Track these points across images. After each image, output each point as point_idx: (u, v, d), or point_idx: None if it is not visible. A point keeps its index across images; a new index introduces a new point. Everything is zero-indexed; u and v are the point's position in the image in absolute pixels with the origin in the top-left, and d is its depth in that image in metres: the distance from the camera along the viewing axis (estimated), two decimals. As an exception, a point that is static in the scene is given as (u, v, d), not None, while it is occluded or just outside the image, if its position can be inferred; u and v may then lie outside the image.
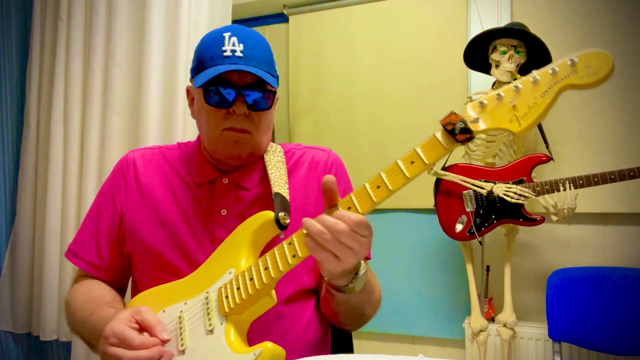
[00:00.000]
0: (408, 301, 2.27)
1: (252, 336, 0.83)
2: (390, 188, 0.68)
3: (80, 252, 0.99)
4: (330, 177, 0.72)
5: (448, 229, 1.86)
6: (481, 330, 1.83)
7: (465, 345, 2.00)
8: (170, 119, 1.61)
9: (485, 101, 0.65)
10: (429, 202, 1.94)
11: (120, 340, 0.76)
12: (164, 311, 0.86)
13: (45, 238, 1.73)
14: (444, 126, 0.66)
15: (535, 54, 1.81)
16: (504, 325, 1.81)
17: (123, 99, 1.67)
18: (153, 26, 1.61)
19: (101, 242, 0.98)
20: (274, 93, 0.94)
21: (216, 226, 0.93)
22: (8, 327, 1.83)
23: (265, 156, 0.99)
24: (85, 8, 1.77)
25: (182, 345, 0.80)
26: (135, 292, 1.00)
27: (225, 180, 0.96)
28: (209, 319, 0.80)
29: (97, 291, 0.96)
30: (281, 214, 0.84)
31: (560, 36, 2.05)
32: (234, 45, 0.89)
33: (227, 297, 0.79)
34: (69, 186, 1.74)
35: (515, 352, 1.90)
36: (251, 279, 0.78)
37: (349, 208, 0.71)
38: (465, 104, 2.13)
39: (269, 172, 0.95)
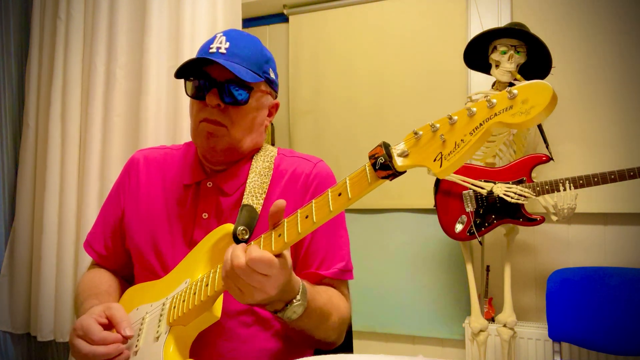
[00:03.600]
0: (408, 301, 2.27)
1: (217, 343, 0.87)
2: (315, 220, 0.67)
3: (93, 242, 1.06)
4: (279, 203, 0.71)
5: (448, 229, 1.86)
6: (481, 330, 1.83)
7: (465, 345, 2.00)
8: (172, 122, 1.60)
9: (420, 132, 0.60)
10: (429, 202, 1.93)
11: (84, 333, 0.80)
12: (137, 309, 0.90)
13: (43, 238, 1.73)
14: (369, 159, 0.62)
15: (535, 54, 1.81)
16: (504, 325, 1.81)
17: (124, 100, 1.66)
18: (153, 27, 1.61)
19: (107, 234, 1.04)
20: (252, 89, 0.93)
21: (196, 228, 0.94)
22: (7, 328, 1.83)
23: (253, 160, 0.99)
24: (84, 7, 1.77)
25: (136, 346, 0.83)
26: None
27: (210, 184, 0.97)
28: (159, 326, 0.82)
29: (97, 280, 1.01)
30: (240, 229, 0.82)
31: (560, 36, 2.05)
32: (220, 43, 0.92)
33: (174, 307, 0.81)
34: (67, 186, 1.73)
35: (515, 352, 1.90)
36: (194, 293, 0.79)
37: (280, 235, 0.70)
38: (465, 103, 2.14)
39: (250, 179, 0.95)
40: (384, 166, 0.60)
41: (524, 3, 2.13)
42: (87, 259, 1.55)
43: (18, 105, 1.96)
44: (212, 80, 0.91)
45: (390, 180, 0.61)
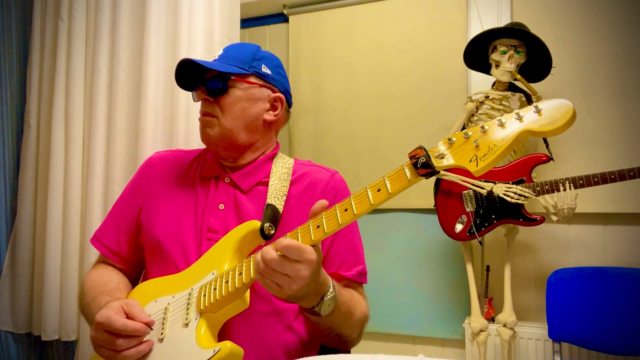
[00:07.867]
0: (408, 301, 2.27)
1: (234, 330, 0.89)
2: (355, 212, 0.72)
3: (102, 237, 1.08)
4: (322, 202, 0.76)
5: (448, 229, 1.86)
6: (481, 330, 1.83)
7: (465, 345, 2.00)
8: (169, 123, 1.60)
9: (453, 139, 0.68)
10: (429, 202, 1.94)
11: (105, 321, 0.81)
12: (155, 301, 0.93)
13: (47, 237, 1.73)
14: (410, 159, 0.69)
15: (535, 54, 1.81)
16: (504, 325, 1.81)
17: (127, 101, 1.67)
18: (152, 28, 1.61)
19: (120, 231, 1.07)
20: (228, 77, 1.00)
21: (212, 217, 1.00)
22: (8, 327, 1.83)
23: (273, 165, 1.06)
24: (86, 8, 1.77)
25: (162, 334, 0.85)
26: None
27: (227, 179, 1.04)
28: (187, 314, 0.85)
29: (106, 277, 1.03)
30: (266, 225, 0.89)
31: (560, 36, 2.05)
32: (217, 55, 1.06)
33: (204, 295, 0.85)
34: (71, 186, 1.73)
35: (515, 352, 1.90)
36: (227, 282, 0.83)
37: (318, 227, 0.75)
38: (465, 104, 2.13)
39: (271, 181, 1.01)
40: (425, 165, 0.67)
41: (524, 3, 2.13)
42: (92, 258, 1.56)
43: (19, 105, 1.96)
44: (204, 80, 1.01)
45: (427, 178, 0.69)
